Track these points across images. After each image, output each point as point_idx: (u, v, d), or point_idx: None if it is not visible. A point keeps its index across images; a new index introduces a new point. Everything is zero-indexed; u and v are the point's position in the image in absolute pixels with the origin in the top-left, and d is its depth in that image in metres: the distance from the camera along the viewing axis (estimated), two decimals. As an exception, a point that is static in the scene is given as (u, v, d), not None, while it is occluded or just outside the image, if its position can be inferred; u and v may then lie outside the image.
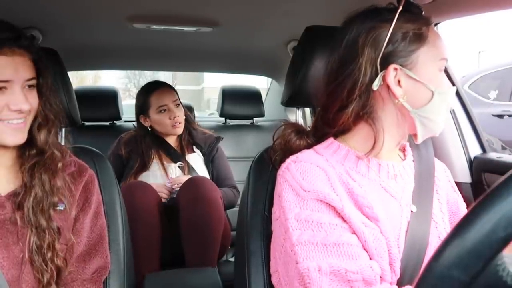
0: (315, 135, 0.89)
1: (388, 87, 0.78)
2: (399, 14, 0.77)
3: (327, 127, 0.85)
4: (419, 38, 0.78)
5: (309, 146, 0.87)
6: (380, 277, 0.75)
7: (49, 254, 0.86)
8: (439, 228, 0.85)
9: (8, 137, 0.85)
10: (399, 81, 0.78)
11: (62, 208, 0.90)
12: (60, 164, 0.92)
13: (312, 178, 0.77)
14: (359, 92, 0.78)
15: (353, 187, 0.78)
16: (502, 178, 0.37)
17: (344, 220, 0.76)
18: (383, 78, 0.77)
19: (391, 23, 0.77)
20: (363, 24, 0.79)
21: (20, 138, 0.87)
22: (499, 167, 1.32)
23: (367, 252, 0.75)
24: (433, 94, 0.77)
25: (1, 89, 0.83)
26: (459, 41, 8.93)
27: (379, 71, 0.77)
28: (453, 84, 0.87)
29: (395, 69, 0.77)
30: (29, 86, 0.87)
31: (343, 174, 0.80)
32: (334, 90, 0.81)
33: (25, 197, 0.87)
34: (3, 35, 0.83)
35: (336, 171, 0.80)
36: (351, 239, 0.74)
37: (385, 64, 0.77)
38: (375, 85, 0.77)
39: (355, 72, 0.78)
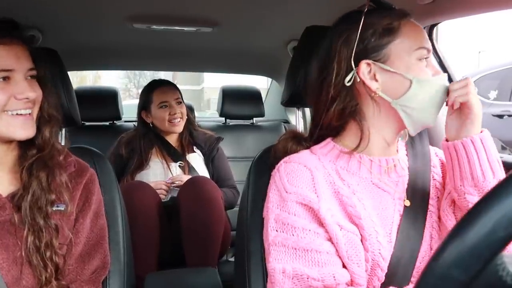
0: (311, 139, 0.91)
1: (364, 82, 0.80)
2: (371, 12, 0.81)
3: (317, 129, 0.88)
4: (389, 32, 0.80)
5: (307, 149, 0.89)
6: (353, 281, 0.76)
7: (48, 253, 0.85)
8: (435, 225, 0.85)
9: (18, 131, 0.85)
10: (375, 75, 0.80)
11: (62, 209, 0.90)
12: (59, 161, 0.91)
13: (295, 179, 0.79)
14: (337, 91, 0.81)
15: (339, 187, 0.80)
16: (502, 178, 0.37)
17: (321, 224, 0.77)
18: (359, 74, 0.80)
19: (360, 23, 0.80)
20: (336, 29, 0.84)
21: (30, 131, 0.87)
22: (499, 167, 1.32)
23: (339, 255, 0.76)
24: (411, 83, 0.78)
25: (5, 80, 0.83)
26: (459, 41, 8.93)
27: (353, 68, 0.80)
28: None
29: (368, 64, 0.80)
30: (31, 76, 0.88)
31: (332, 174, 0.82)
32: (317, 94, 0.85)
33: (23, 197, 0.86)
34: (1, 25, 0.84)
35: (325, 171, 0.82)
36: (321, 246, 0.76)
37: (358, 62, 0.80)
38: (347, 81, 0.80)
39: (330, 73, 0.81)
